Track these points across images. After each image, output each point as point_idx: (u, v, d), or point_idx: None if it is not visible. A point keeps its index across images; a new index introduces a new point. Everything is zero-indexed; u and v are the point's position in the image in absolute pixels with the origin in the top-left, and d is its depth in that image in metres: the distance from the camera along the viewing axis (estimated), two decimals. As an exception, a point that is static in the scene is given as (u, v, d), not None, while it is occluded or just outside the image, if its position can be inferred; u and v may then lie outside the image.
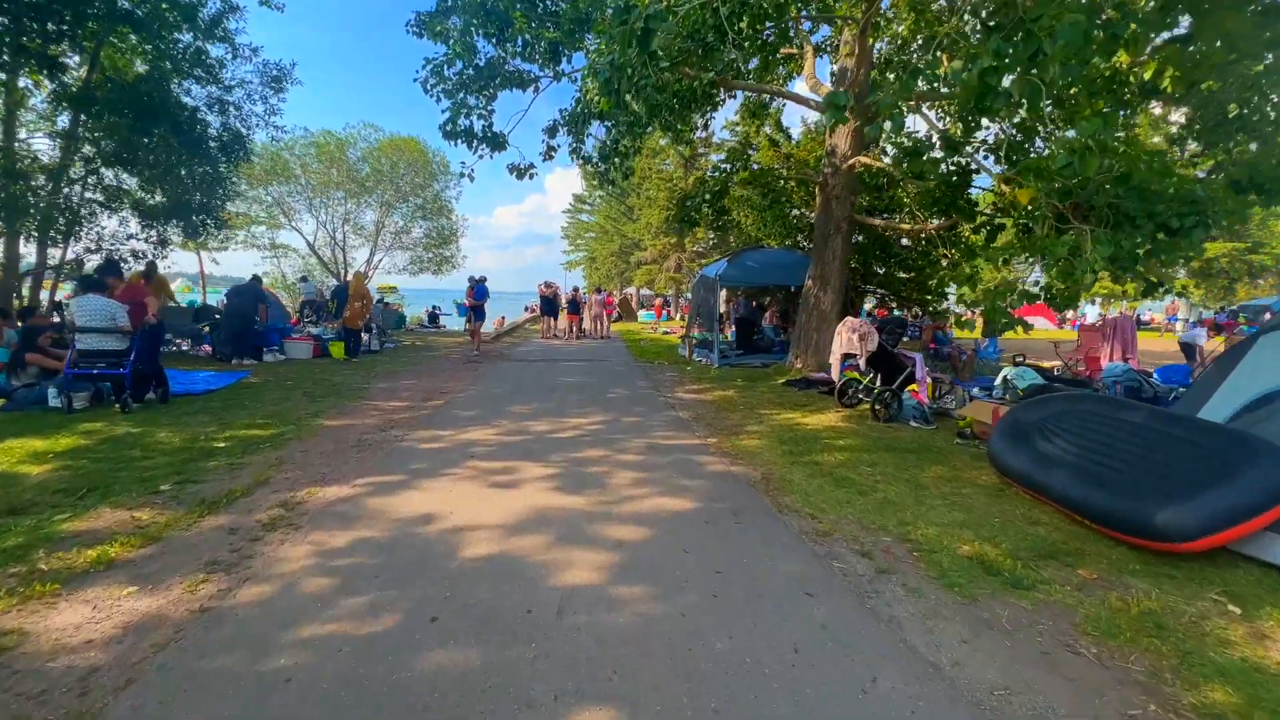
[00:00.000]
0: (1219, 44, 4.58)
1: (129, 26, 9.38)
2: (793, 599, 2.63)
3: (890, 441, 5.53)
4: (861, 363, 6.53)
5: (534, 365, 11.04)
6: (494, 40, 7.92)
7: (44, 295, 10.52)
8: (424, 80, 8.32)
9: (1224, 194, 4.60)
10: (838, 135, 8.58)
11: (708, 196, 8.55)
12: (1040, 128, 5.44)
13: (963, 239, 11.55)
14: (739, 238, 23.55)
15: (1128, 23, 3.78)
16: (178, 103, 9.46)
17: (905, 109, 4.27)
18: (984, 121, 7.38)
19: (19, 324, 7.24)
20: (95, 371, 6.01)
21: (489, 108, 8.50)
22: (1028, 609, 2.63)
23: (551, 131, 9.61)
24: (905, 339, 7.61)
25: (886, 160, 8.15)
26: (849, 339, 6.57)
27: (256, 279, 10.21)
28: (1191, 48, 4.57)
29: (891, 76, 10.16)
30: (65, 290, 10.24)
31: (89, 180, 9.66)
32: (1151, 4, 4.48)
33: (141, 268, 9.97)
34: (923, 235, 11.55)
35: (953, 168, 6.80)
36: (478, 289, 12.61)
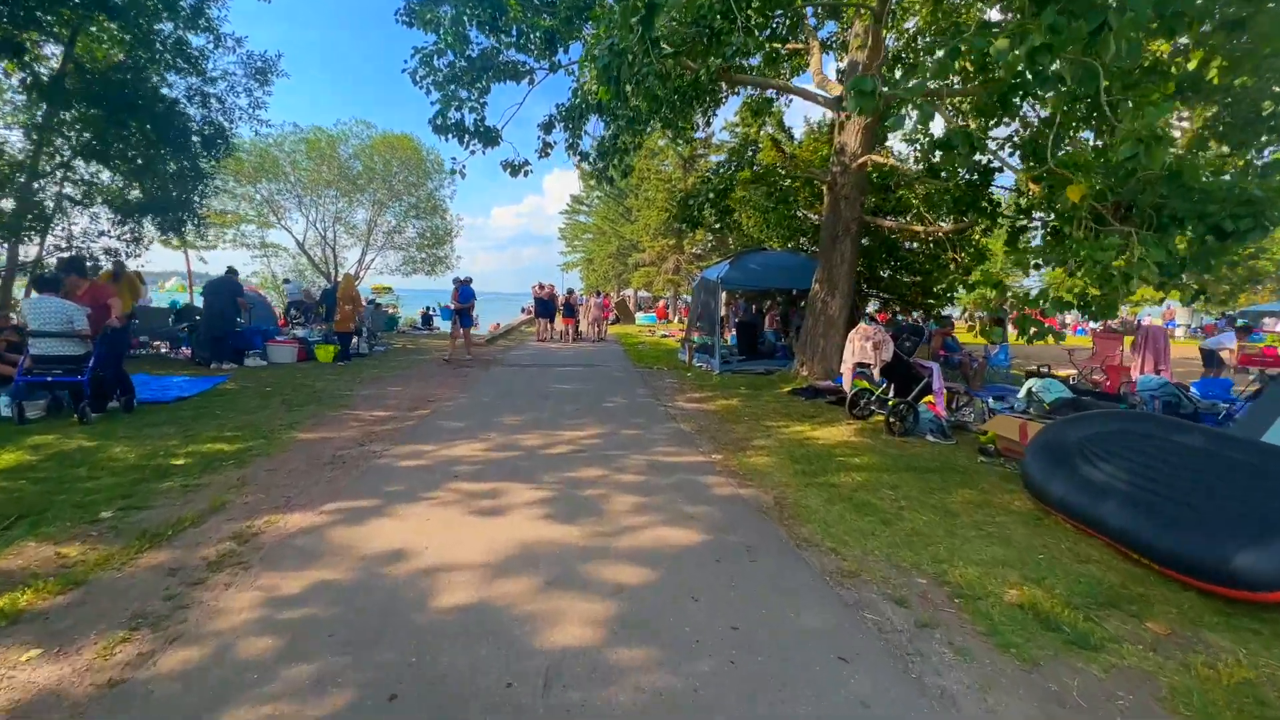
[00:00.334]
0: (1270, 33, 4.21)
1: (105, 14, 8.93)
2: (825, 665, 2.22)
3: (910, 459, 5.13)
4: (876, 372, 6.14)
5: (527, 370, 10.61)
6: (487, 29, 7.50)
7: (19, 295, 10.06)
8: (413, 71, 7.90)
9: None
10: (847, 133, 8.20)
11: (711, 195, 8.16)
12: (1071, 122, 5.07)
13: (973, 241, 11.22)
14: (739, 240, 23.19)
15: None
16: (155, 93, 9.00)
17: (933, 99, 3.89)
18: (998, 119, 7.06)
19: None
20: (50, 379, 5.56)
21: (481, 100, 8.08)
22: (1100, 677, 2.23)
23: (547, 127, 9.19)
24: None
25: (900, 157, 7.78)
26: (862, 347, 6.17)
27: (232, 271, 9.60)
28: (1244, 38, 4.20)
29: (899, 74, 9.81)
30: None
31: (60, 174, 9.18)
32: None
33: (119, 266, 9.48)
34: (931, 239, 11.22)
35: (973, 165, 6.43)
36: (463, 291, 11.84)
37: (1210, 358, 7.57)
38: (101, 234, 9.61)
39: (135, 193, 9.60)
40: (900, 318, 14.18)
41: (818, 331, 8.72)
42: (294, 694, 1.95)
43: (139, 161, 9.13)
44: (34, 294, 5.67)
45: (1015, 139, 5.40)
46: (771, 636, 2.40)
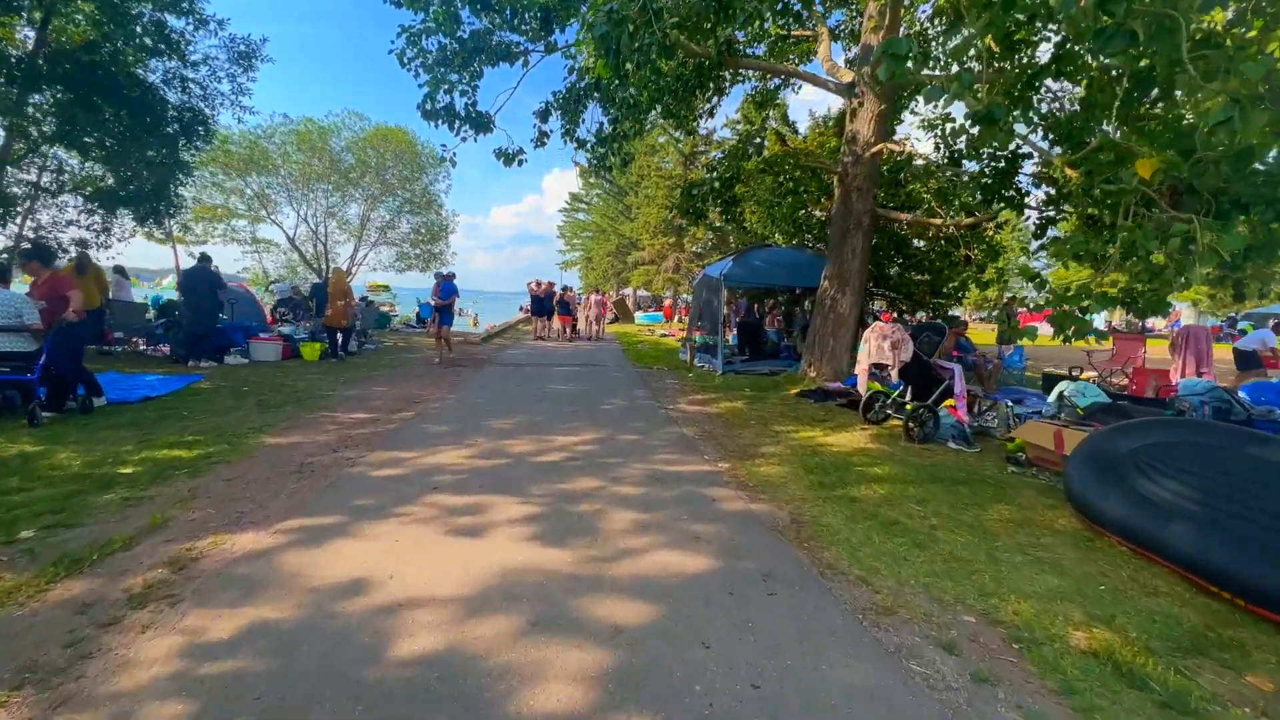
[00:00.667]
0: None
1: (80, -7, 8.49)
2: (870, 741, 1.79)
3: (934, 469, 4.70)
4: (894, 374, 5.71)
5: (521, 370, 10.17)
6: (478, 7, 7.05)
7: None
8: (399, 52, 7.44)
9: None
10: (859, 120, 7.76)
11: (716, 186, 7.72)
12: (1111, 102, 4.63)
13: (986, 237, 10.78)
14: (740, 238, 22.75)
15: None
16: (130, 76, 8.52)
17: (972, 68, 3.45)
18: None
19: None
20: (-1, 377, 5.10)
21: (473, 84, 7.63)
22: (1212, 755, 1.80)
23: (543, 115, 8.75)
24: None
25: (917, 145, 7.34)
26: (879, 347, 5.74)
27: (205, 260, 8.95)
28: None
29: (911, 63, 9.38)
30: None
31: (28, 161, 8.71)
32: None
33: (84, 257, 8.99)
34: (942, 234, 10.78)
35: (1003, 150, 6.00)
36: (444, 287, 10.98)
37: (1248, 359, 7.11)
38: (70, 223, 9.13)
39: (108, 181, 9.12)
40: (904, 318, 13.76)
41: (827, 331, 8.29)
42: (193, 790, 1.51)
43: (115, 148, 8.65)
44: (-19, 284, 5.22)
45: (1046, 122, 4.99)
46: (801, 698, 1.96)
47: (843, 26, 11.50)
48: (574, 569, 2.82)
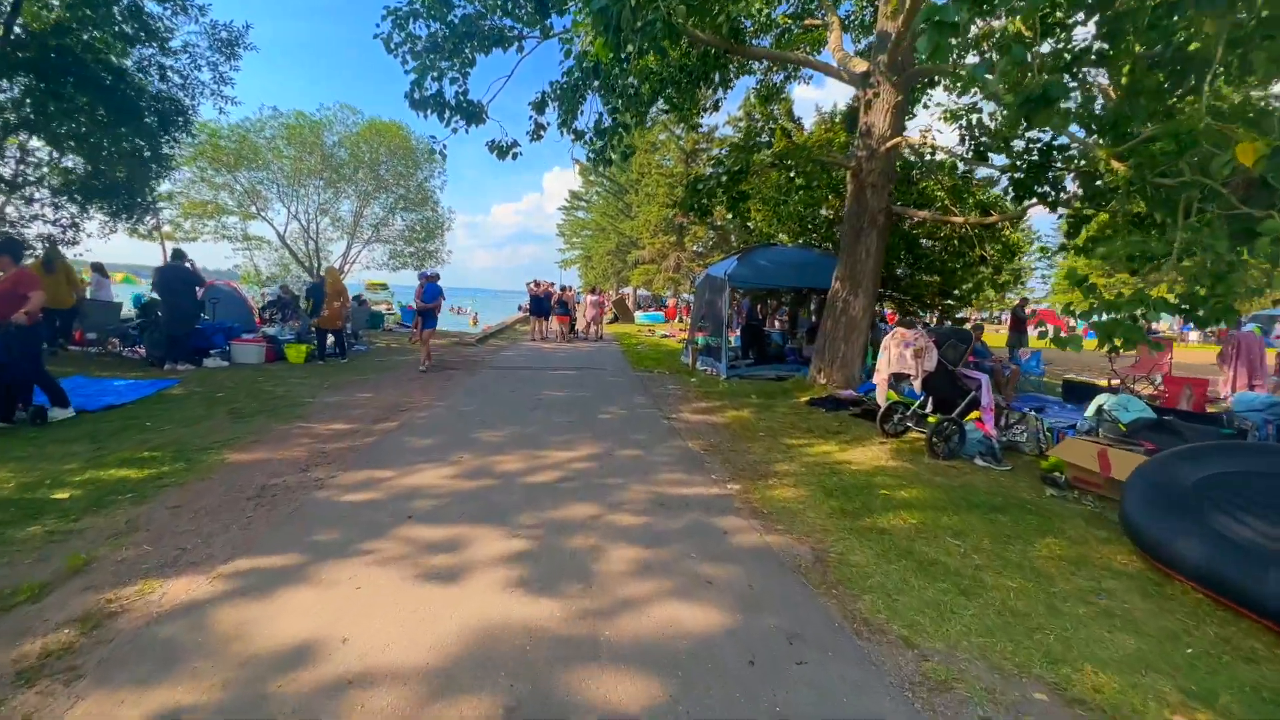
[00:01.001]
0: None
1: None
2: None
3: (965, 492, 4.26)
4: (918, 384, 5.27)
5: (516, 374, 9.72)
6: (469, -12, 6.60)
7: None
8: (385, 36, 6.99)
9: None
10: (874, 112, 7.31)
11: (724, 179, 7.26)
12: (1154, 87, 4.19)
13: (1003, 235, 10.35)
14: (741, 236, 22.28)
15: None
16: (103, 62, 8.03)
17: (1024, 39, 3.01)
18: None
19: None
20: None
21: (464, 71, 7.18)
22: None
23: (539, 106, 8.30)
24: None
25: (941, 133, 6.89)
26: (900, 355, 5.30)
27: (180, 255, 8.40)
28: None
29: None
30: None
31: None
32: None
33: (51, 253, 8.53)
34: (956, 233, 10.35)
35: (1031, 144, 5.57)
36: (428, 289, 9.88)
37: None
38: (35, 218, 8.65)
39: (77, 172, 8.63)
40: (908, 320, 13.32)
41: (838, 335, 7.85)
42: None
43: (87, 138, 8.16)
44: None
45: (1085, 111, 4.56)
46: (854, 829, 1.52)
47: (852, 17, 11.07)
48: (564, 627, 2.38)
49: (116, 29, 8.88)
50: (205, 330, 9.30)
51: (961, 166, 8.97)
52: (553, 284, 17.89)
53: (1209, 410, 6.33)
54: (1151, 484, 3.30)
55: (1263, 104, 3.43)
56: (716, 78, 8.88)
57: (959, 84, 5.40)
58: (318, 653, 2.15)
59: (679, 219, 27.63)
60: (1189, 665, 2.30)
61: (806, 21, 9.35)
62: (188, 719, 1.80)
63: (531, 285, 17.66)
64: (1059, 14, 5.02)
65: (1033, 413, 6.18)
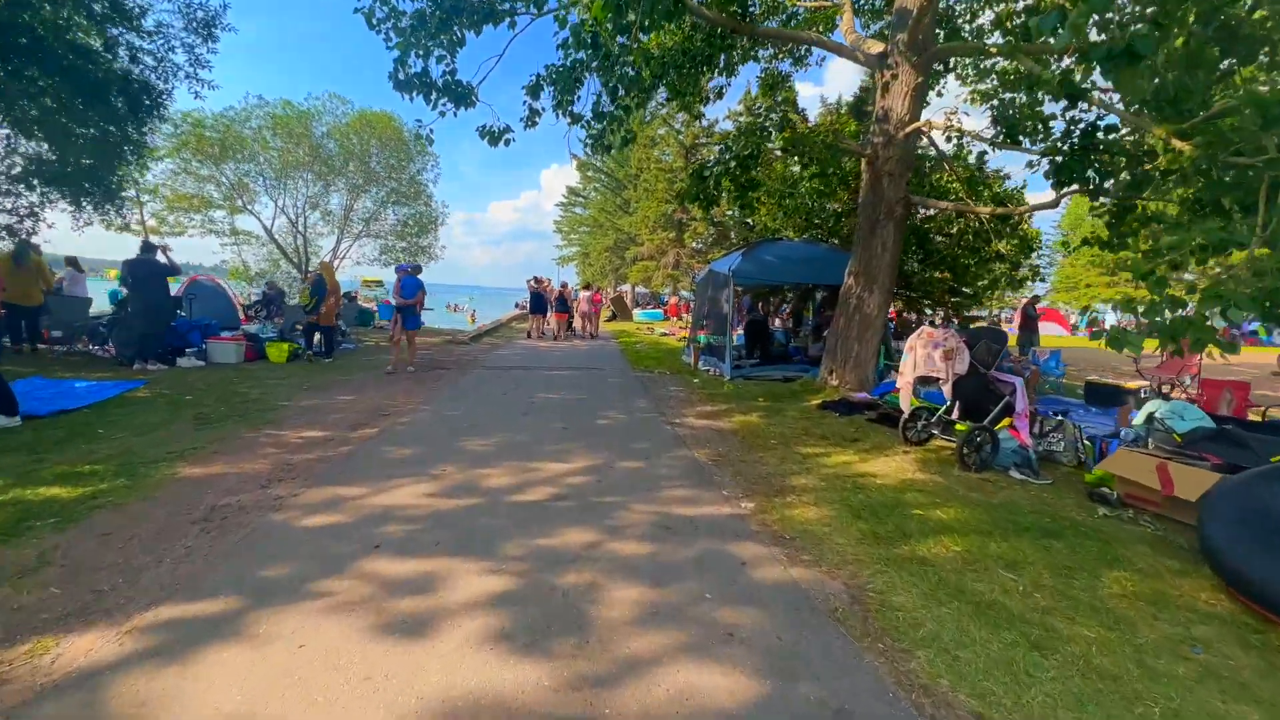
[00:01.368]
0: None
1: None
2: None
3: (1008, 511, 3.80)
4: (948, 389, 4.80)
5: (510, 374, 9.23)
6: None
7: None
8: (367, 11, 6.47)
9: None
10: (891, 96, 6.83)
11: (732, 165, 6.78)
12: (1210, 61, 3.73)
13: (1021, 229, 9.89)
14: (741, 232, 21.77)
15: None
16: (64, 40, 7.47)
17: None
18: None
19: None
20: None
21: (452, 49, 6.67)
22: None
23: (534, 90, 7.78)
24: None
25: (967, 120, 6.41)
26: (927, 356, 4.84)
27: (149, 247, 7.83)
28: None
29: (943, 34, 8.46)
30: None
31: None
32: None
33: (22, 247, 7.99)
34: (970, 227, 9.90)
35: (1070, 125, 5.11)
36: (406, 283, 8.76)
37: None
38: (-11, 208, 8.12)
39: (40, 157, 8.08)
40: (908, 316, 12.86)
41: (851, 334, 7.38)
42: None
43: (46, 121, 7.61)
44: None
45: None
46: None
47: (863, 2, 10.58)
48: (553, 701, 1.90)
49: (85, 8, 8.33)
50: (180, 328, 8.78)
51: (975, 155, 8.52)
52: (550, 281, 17.43)
53: (1251, 417, 5.89)
54: (1239, 510, 2.84)
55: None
56: (721, 61, 8.38)
57: (986, 60, 4.91)
58: (235, 746, 1.67)
59: (679, 214, 27.16)
60: (1336, 751, 1.84)
61: (815, 5, 8.85)
62: None
63: (532, 282, 17.17)
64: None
65: (1051, 413, 5.73)
